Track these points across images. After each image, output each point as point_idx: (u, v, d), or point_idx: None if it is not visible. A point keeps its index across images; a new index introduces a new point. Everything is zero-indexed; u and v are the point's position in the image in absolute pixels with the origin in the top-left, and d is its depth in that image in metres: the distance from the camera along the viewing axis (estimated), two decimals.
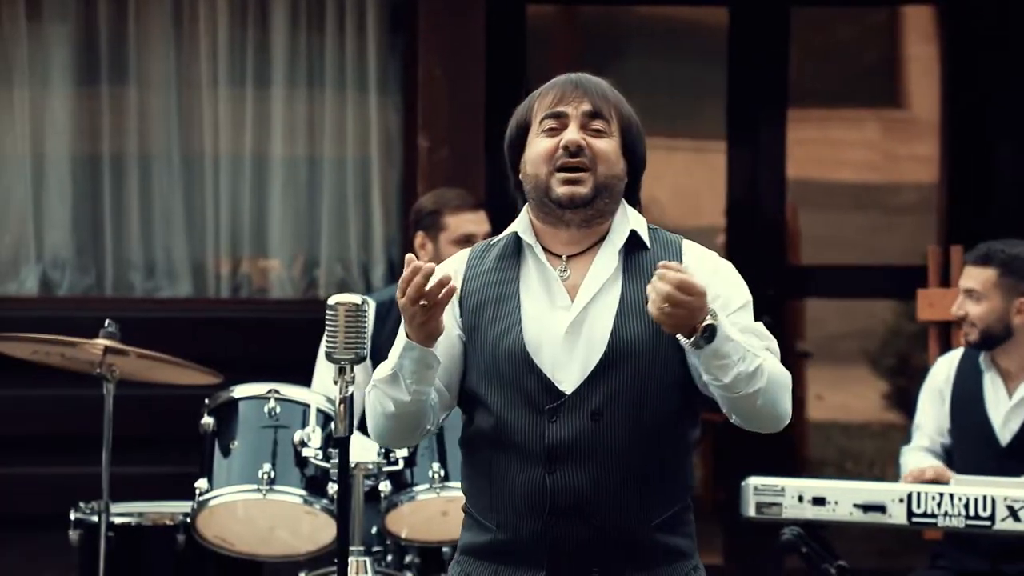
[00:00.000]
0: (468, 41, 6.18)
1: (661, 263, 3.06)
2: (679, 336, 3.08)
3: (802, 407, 7.82)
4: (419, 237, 5.26)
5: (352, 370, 3.20)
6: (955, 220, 7.35)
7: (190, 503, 4.60)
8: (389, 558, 4.81)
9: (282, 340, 6.13)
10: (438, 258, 5.23)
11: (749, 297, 3.25)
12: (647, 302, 3.08)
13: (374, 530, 4.71)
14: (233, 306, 6.50)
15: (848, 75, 7.98)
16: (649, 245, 3.26)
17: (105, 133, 6.53)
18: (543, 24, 7.56)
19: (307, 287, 6.59)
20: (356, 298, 3.18)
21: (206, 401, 4.68)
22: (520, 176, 3.29)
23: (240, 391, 4.65)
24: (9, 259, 6.46)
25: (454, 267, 3.32)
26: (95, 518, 4.69)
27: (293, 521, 4.56)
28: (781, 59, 7.36)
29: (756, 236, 7.36)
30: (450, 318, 3.24)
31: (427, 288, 3.09)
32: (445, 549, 4.78)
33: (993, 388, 5.05)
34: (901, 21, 8.07)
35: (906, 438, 5.29)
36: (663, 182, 8.19)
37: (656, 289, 3.02)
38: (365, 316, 3.18)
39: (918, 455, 5.14)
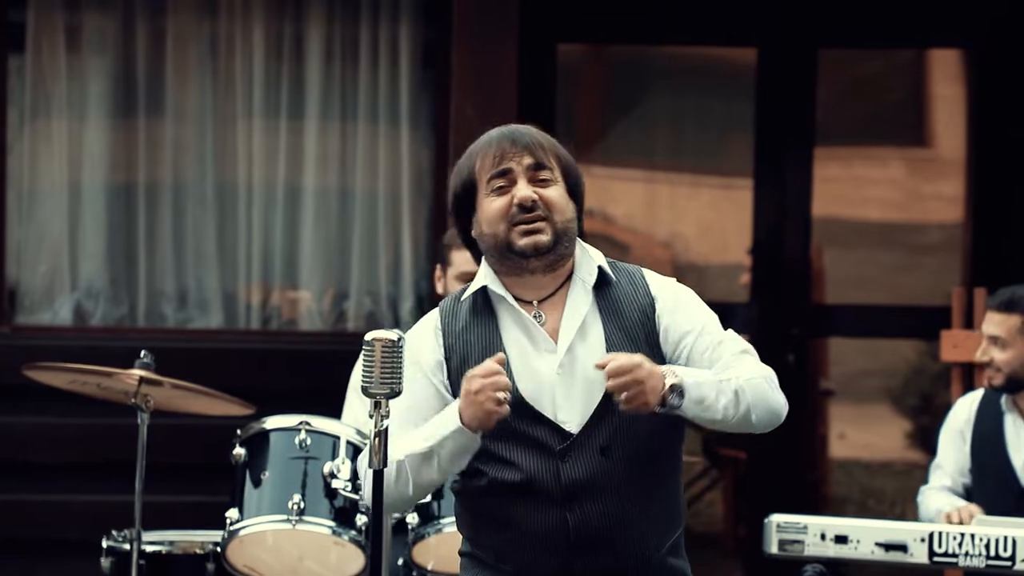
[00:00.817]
0: (500, 79, 6.24)
1: (595, 363, 3.18)
2: (657, 410, 3.19)
3: (824, 445, 7.83)
4: (437, 270, 5.38)
5: (388, 404, 3.26)
6: (979, 260, 7.37)
7: (221, 532, 4.63)
8: None
9: (311, 372, 6.19)
10: (447, 291, 5.31)
11: (711, 313, 3.38)
12: (630, 336, 3.26)
13: (400, 561, 4.72)
14: (263, 337, 6.57)
15: (874, 114, 8.01)
16: (614, 278, 3.38)
17: (141, 164, 6.60)
18: (574, 62, 7.62)
19: (336, 320, 6.64)
20: (392, 334, 3.24)
21: (238, 432, 4.72)
22: (474, 235, 3.39)
23: (271, 423, 4.69)
24: (44, 289, 6.52)
25: (431, 328, 3.39)
26: (127, 546, 4.73)
27: (321, 552, 4.60)
28: (808, 98, 7.40)
29: (781, 275, 7.38)
30: (425, 381, 3.33)
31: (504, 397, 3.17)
32: None
33: (1015, 429, 5.08)
34: (928, 61, 8.10)
35: (925, 478, 5.32)
36: (689, 218, 8.23)
37: (609, 386, 3.15)
38: (401, 352, 3.24)
39: (941, 495, 5.16)
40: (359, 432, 4.66)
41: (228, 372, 6.00)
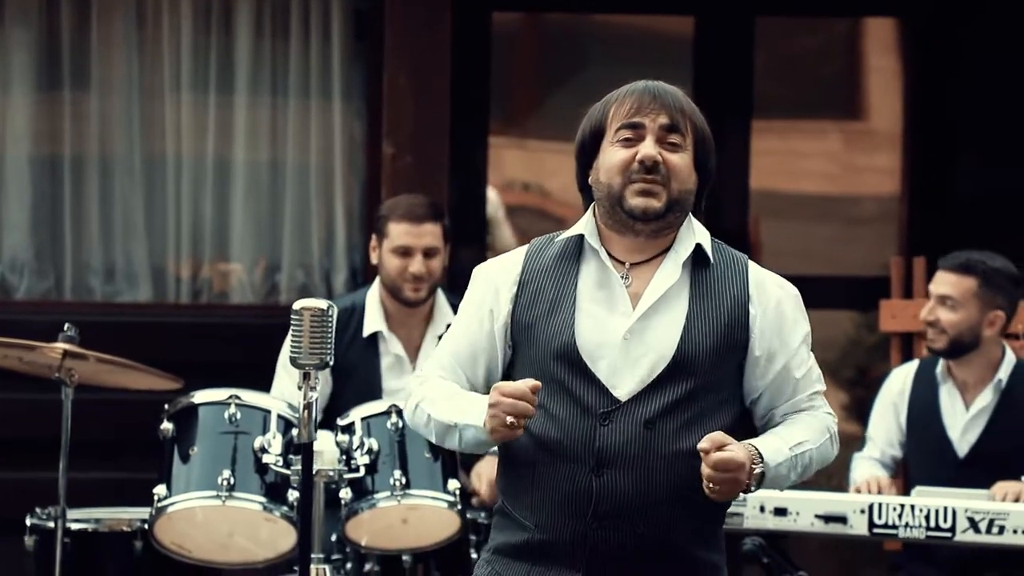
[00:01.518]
0: (434, 48, 6.17)
1: (702, 443, 3.12)
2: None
3: None
4: (373, 240, 5.33)
5: (316, 376, 3.19)
6: (916, 232, 7.37)
7: (148, 509, 4.56)
8: (349, 566, 4.78)
9: (243, 345, 6.11)
10: (382, 263, 5.25)
11: (807, 331, 3.33)
12: (712, 319, 3.19)
13: (334, 537, 4.69)
14: (194, 311, 6.46)
15: (810, 87, 8.00)
16: (712, 259, 3.28)
17: (66, 137, 6.49)
18: (509, 31, 7.55)
19: (268, 292, 6.56)
20: (322, 303, 3.17)
21: (166, 406, 4.65)
22: (590, 180, 3.31)
23: (200, 396, 4.62)
24: None
25: (510, 263, 3.33)
26: (51, 524, 4.65)
27: (252, 528, 4.54)
28: (746, 70, 7.37)
29: None
30: (487, 320, 3.28)
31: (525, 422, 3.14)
32: (405, 557, 4.76)
33: (950, 400, 5.07)
34: (864, 33, 8.10)
35: (860, 445, 5.31)
36: None
37: (703, 475, 3.11)
38: (330, 322, 3.18)
39: (866, 464, 5.16)
40: (290, 406, 4.59)
41: (157, 346, 5.91)
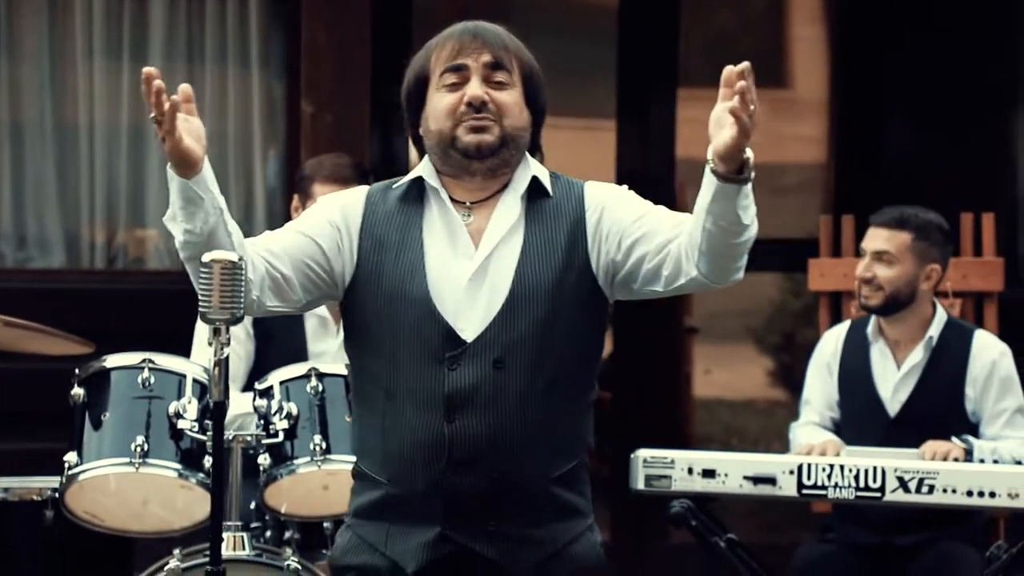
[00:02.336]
0: (353, 6, 6.11)
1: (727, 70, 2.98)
2: (728, 174, 2.98)
3: (688, 384, 7.81)
4: (295, 199, 5.24)
5: (228, 331, 3.08)
6: (843, 197, 7.38)
7: (59, 478, 4.44)
8: (268, 534, 4.68)
9: (160, 311, 5.99)
10: None
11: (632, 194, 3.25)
12: (548, 250, 3.12)
13: (253, 505, 4.59)
14: (108, 277, 6.39)
15: (736, 55, 7.98)
16: (552, 192, 3.23)
17: None
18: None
19: None
20: (232, 255, 3.06)
21: (76, 371, 4.52)
22: (420, 131, 3.25)
23: (112, 360, 4.49)
24: None
25: (352, 199, 3.26)
26: None
27: (167, 495, 4.42)
28: (671, 38, 7.35)
29: None
30: (327, 231, 3.21)
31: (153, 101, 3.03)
32: (326, 524, 4.67)
33: (881, 359, 5.04)
34: (788, 2, 8.11)
35: (795, 415, 5.27)
36: (551, 158, 8.13)
37: (747, 94, 2.94)
38: (242, 275, 3.06)
39: (809, 429, 5.10)
40: (206, 370, 4.48)
41: (72, 313, 5.79)
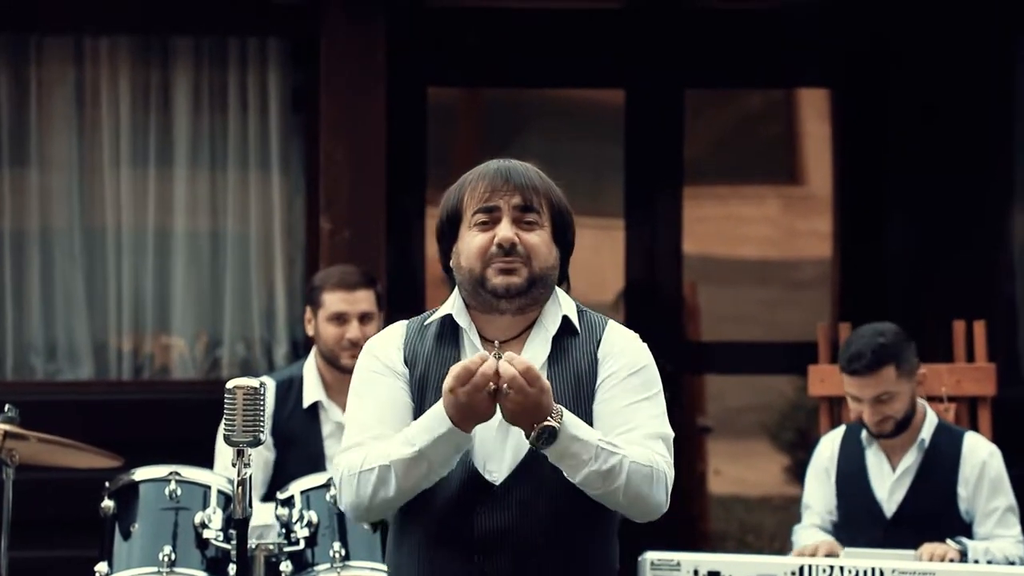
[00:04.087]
0: (369, 123, 6.21)
1: (507, 354, 3.12)
2: (530, 438, 3.11)
3: (703, 482, 7.86)
4: (307, 311, 5.37)
5: (250, 453, 3.23)
6: (848, 296, 7.45)
7: None
8: None
9: (185, 421, 6.11)
10: (319, 334, 5.31)
11: (650, 380, 3.29)
12: (569, 391, 3.21)
13: None
14: (135, 388, 6.48)
15: (747, 152, 8.07)
16: (578, 328, 3.32)
17: (6, 213, 6.51)
18: (445, 105, 7.63)
19: (210, 367, 6.58)
20: (254, 382, 3.22)
21: (106, 484, 4.66)
22: (452, 264, 3.34)
23: (141, 474, 4.63)
24: None
25: (395, 343, 3.34)
26: None
27: None
28: (676, 138, 7.46)
29: (654, 312, 7.42)
30: (393, 381, 3.28)
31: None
32: None
33: (877, 462, 5.14)
34: (798, 99, 8.19)
35: (798, 517, 5.36)
36: None
37: (501, 370, 3.09)
38: (263, 399, 3.22)
39: (810, 532, 5.20)
40: (230, 481, 4.62)
41: (100, 425, 5.92)
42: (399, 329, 3.38)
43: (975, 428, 5.38)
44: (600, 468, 3.13)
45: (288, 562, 4.58)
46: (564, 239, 3.33)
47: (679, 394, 7.32)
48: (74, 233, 6.54)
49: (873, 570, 4.65)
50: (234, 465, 3.25)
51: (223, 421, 3.24)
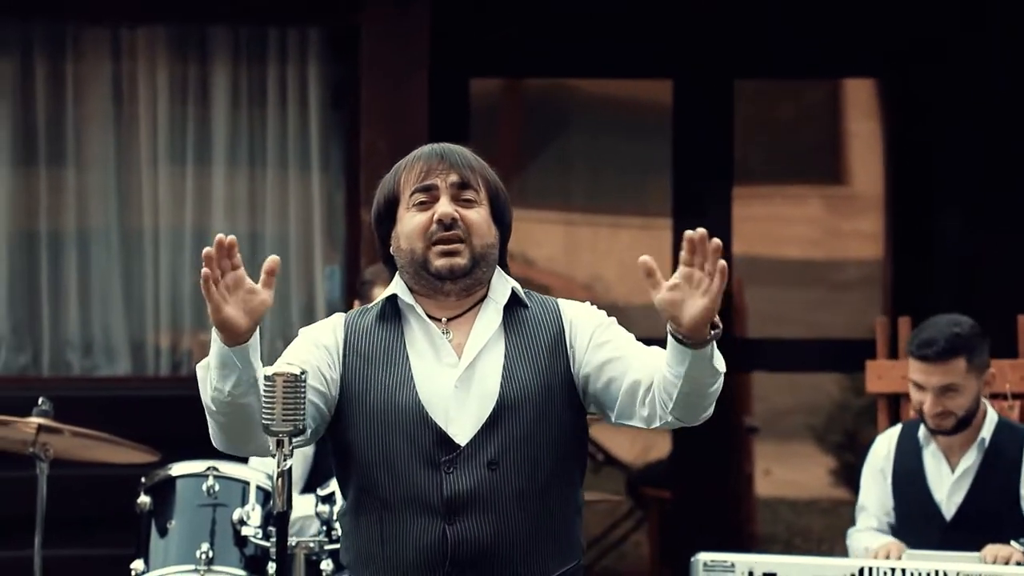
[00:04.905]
0: (411, 113, 6.17)
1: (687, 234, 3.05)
2: (690, 340, 3.03)
3: (750, 483, 7.77)
4: (356, 305, 5.28)
5: (290, 443, 3.12)
6: (900, 294, 7.36)
7: None
8: None
9: None
10: None
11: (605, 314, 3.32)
12: (531, 356, 3.21)
13: None
14: (172, 384, 6.42)
15: (791, 152, 8.02)
16: (528, 303, 3.32)
17: (43, 211, 6.48)
18: (488, 96, 7.57)
19: None
20: (295, 369, 3.10)
21: (143, 479, 4.58)
22: (392, 249, 3.32)
23: (178, 469, 4.56)
24: None
25: (331, 324, 3.33)
26: None
27: None
28: (726, 135, 7.38)
29: None
30: (314, 350, 3.26)
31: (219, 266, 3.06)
32: None
33: (935, 462, 5.00)
34: (842, 98, 8.13)
35: (852, 519, 5.23)
36: (610, 259, 8.17)
37: (720, 268, 3.02)
38: (304, 387, 3.11)
39: (869, 535, 5.07)
40: (269, 476, 4.52)
41: (137, 420, 5.84)
42: (337, 316, 3.38)
43: None
44: (718, 381, 3.10)
45: (329, 560, 4.49)
46: (502, 220, 3.32)
47: (727, 393, 7.22)
48: (111, 231, 6.51)
49: (936, 572, 4.52)
50: (273, 456, 3.12)
51: (262, 410, 3.12)
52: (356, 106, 6.35)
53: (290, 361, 3.21)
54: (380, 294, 5.07)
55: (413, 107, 6.18)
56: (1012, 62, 6.83)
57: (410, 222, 3.26)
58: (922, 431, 5.00)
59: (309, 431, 3.26)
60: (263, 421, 3.10)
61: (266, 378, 3.11)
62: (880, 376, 5.60)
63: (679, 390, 3.09)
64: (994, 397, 5.10)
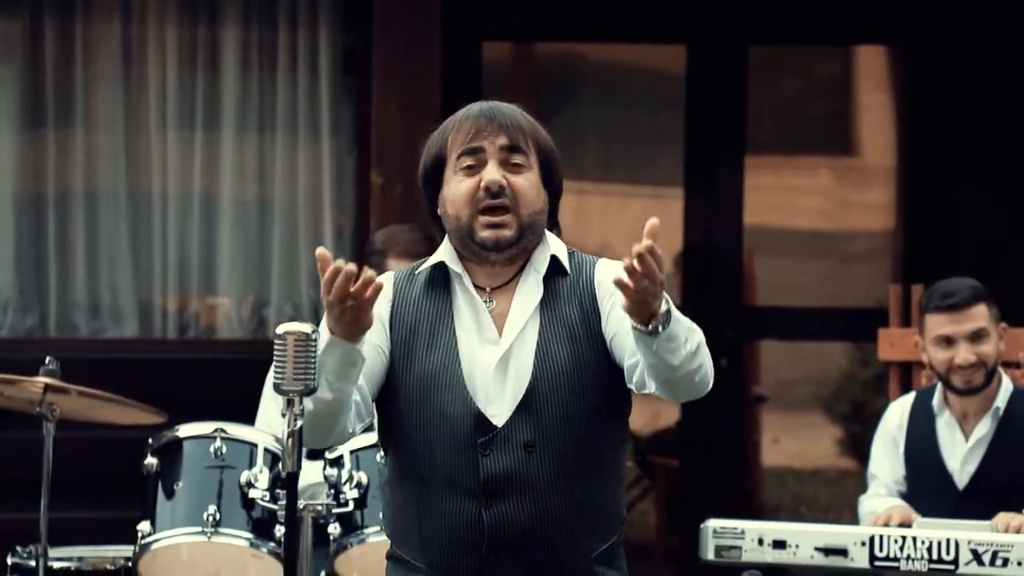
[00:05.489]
0: (423, 79, 6.12)
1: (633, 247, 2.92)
2: (637, 325, 2.94)
3: (757, 452, 7.76)
4: (365, 271, 5.22)
5: (301, 402, 3.10)
6: (911, 265, 7.33)
7: (132, 547, 4.47)
8: None
9: (230, 381, 6.00)
10: None
11: None
12: (565, 329, 3.13)
13: (323, 574, 4.60)
14: (180, 347, 6.42)
15: (802, 123, 8.00)
16: (568, 269, 3.23)
17: (51, 174, 6.46)
18: (499, 61, 7.54)
19: (256, 327, 6.51)
20: (306, 327, 3.08)
21: (149, 441, 4.57)
22: (439, 212, 3.25)
23: (185, 430, 4.54)
24: None
25: (383, 290, 3.21)
26: (33, 563, 4.55)
27: (239, 564, 4.45)
28: (739, 105, 7.34)
29: (713, 279, 7.32)
30: (379, 329, 3.17)
31: (352, 289, 3.01)
32: None
33: (949, 431, 4.98)
34: (855, 69, 8.10)
35: (862, 487, 5.22)
36: (619, 228, 8.16)
37: (644, 264, 2.86)
38: (315, 346, 3.09)
39: (879, 500, 5.06)
40: (276, 439, 4.51)
41: (144, 383, 5.80)
42: (388, 277, 3.29)
43: None
44: (692, 347, 2.99)
45: (337, 524, 4.48)
46: (552, 182, 3.23)
47: (736, 362, 7.21)
48: (119, 194, 6.48)
49: (948, 541, 4.51)
50: (284, 415, 3.10)
51: (273, 369, 3.10)
52: (367, 70, 6.30)
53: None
54: (394, 264, 5.10)
55: (425, 71, 6.13)
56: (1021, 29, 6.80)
57: (457, 188, 3.18)
58: (936, 399, 4.98)
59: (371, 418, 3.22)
60: (274, 380, 3.08)
61: (276, 336, 3.09)
62: (892, 344, 5.58)
63: (647, 364, 3.01)
64: (1006, 366, 5.08)
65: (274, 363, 3.09)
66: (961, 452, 4.95)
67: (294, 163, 6.54)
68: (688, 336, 2.99)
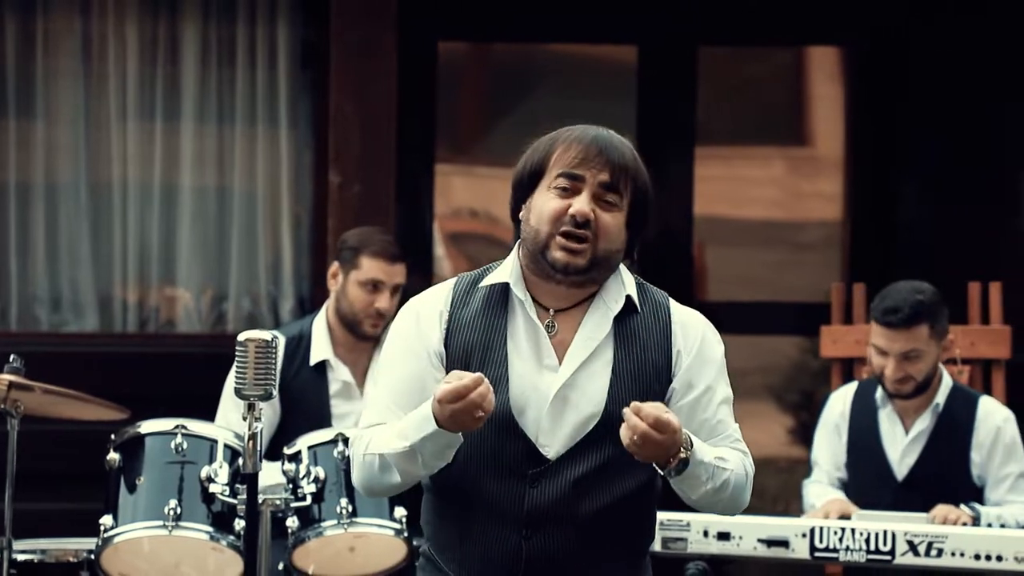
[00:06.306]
0: (379, 77, 6.17)
1: (633, 405, 3.01)
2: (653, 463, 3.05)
3: None
4: (334, 267, 5.33)
5: (261, 406, 3.21)
6: (858, 258, 7.43)
7: (95, 540, 4.55)
8: None
9: (190, 375, 6.09)
10: (344, 293, 5.26)
11: (722, 371, 3.26)
12: (639, 373, 3.13)
13: (281, 566, 4.68)
14: (140, 340, 6.45)
15: (754, 113, 8.04)
16: (639, 308, 3.23)
17: (11, 165, 6.48)
18: (455, 60, 7.59)
19: (215, 321, 6.56)
20: (266, 335, 3.19)
21: (112, 437, 4.64)
22: (521, 216, 3.25)
23: (147, 427, 4.62)
24: None
25: (438, 308, 3.24)
26: None
27: (199, 558, 4.53)
28: (689, 97, 7.41)
29: (664, 272, 7.37)
30: (436, 366, 3.18)
31: (484, 403, 3.02)
32: None
33: (890, 424, 5.11)
34: (807, 61, 8.15)
35: (807, 472, 5.34)
36: None
37: (631, 426, 2.98)
38: (275, 353, 3.19)
39: (821, 488, 5.19)
40: (237, 435, 4.60)
41: (104, 377, 5.89)
42: (444, 294, 3.27)
43: (988, 391, 5.36)
44: (715, 485, 3.10)
45: (295, 518, 4.56)
46: (637, 222, 3.22)
47: None
48: (80, 185, 6.51)
49: (885, 533, 4.64)
50: (245, 419, 3.21)
51: (234, 374, 3.21)
52: (325, 69, 6.35)
53: (393, 396, 3.17)
54: (367, 263, 5.20)
55: (381, 69, 6.18)
56: (979, 29, 6.88)
57: (546, 203, 3.18)
58: (879, 393, 5.11)
59: None
60: (236, 385, 3.19)
61: (238, 343, 3.19)
62: (835, 341, 5.70)
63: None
64: (945, 363, 5.21)
65: (235, 368, 3.19)
66: (901, 445, 5.09)
67: (253, 155, 6.57)
68: (712, 475, 3.08)
